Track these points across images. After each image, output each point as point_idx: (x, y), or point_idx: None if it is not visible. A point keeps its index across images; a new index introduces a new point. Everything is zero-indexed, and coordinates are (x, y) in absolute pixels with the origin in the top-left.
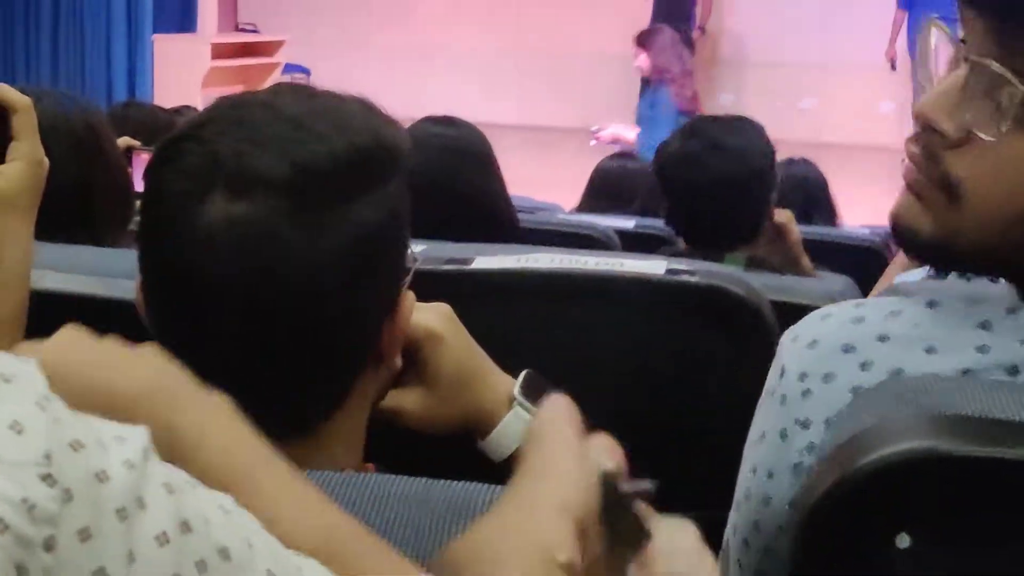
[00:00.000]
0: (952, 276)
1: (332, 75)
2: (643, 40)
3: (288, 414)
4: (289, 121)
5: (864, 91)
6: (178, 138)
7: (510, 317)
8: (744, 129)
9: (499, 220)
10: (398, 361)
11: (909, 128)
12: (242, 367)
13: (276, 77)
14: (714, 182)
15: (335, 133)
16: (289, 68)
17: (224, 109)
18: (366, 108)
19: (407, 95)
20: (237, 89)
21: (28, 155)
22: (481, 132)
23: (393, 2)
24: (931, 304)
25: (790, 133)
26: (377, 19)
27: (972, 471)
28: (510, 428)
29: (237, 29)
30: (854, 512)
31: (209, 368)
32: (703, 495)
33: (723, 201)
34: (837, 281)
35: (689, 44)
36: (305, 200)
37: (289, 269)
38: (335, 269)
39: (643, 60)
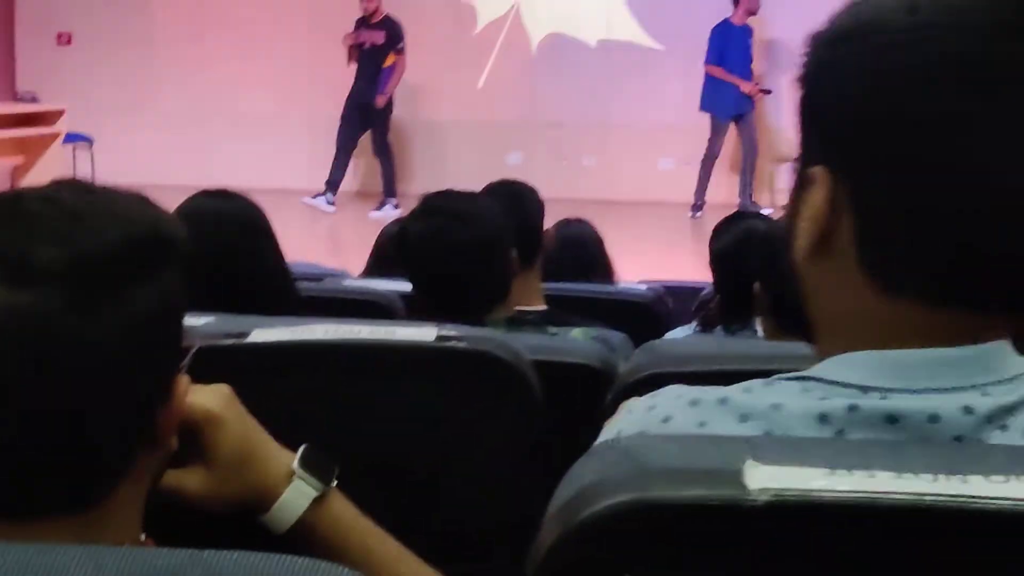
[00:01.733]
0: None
1: (115, 143)
2: None
3: (64, 492)
4: (67, 213)
5: (643, 149)
6: None
7: (288, 389)
8: (474, 197)
9: (278, 292)
10: (174, 442)
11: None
12: (20, 447)
13: (57, 147)
14: (468, 248)
15: (111, 225)
16: (71, 137)
17: (3, 204)
18: (143, 201)
19: (193, 159)
20: (18, 160)
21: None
22: (256, 204)
23: (175, 66)
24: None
25: (574, 191)
26: (159, 84)
27: (679, 516)
28: (290, 502)
29: (15, 99)
30: (578, 565)
31: None
32: (476, 547)
33: (479, 265)
34: (611, 337)
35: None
36: (81, 289)
37: (63, 354)
38: (109, 355)
39: None
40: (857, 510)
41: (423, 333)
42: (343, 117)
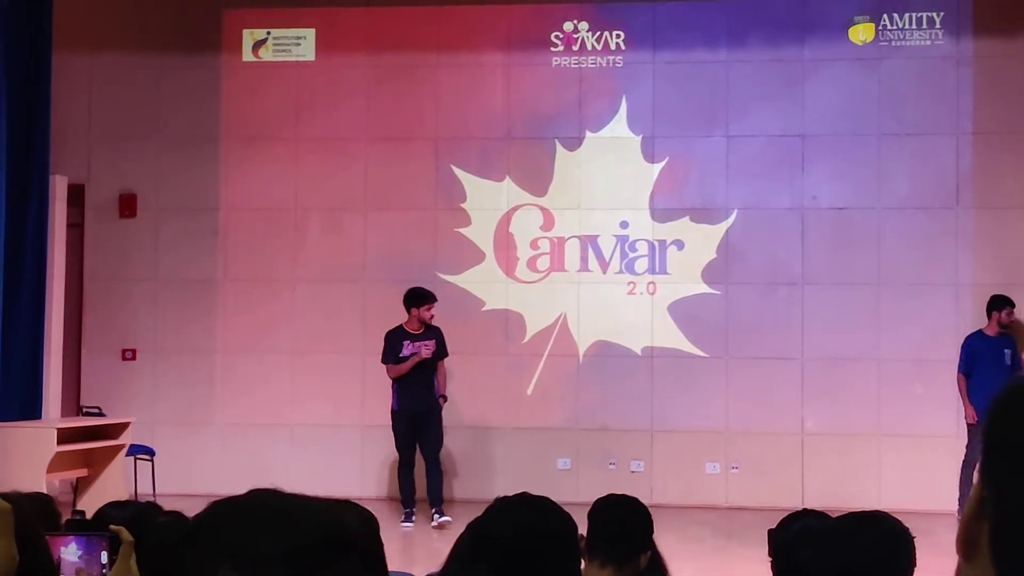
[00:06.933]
0: None
1: (176, 454)
2: None
3: None
4: (274, 514)
5: (691, 453)
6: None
7: None
8: (545, 500)
9: None
10: None
11: (735, 488)
12: None
13: (121, 459)
14: (546, 543)
15: (307, 524)
16: (134, 449)
17: (226, 509)
18: (322, 504)
19: (249, 469)
20: (82, 473)
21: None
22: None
23: (234, 380)
24: None
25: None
26: (219, 397)
27: None
28: None
29: (81, 413)
30: None
31: None
32: None
33: (555, 560)
34: None
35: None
36: (288, 572)
37: None
38: None
39: None
40: None
41: None
42: (404, 432)
